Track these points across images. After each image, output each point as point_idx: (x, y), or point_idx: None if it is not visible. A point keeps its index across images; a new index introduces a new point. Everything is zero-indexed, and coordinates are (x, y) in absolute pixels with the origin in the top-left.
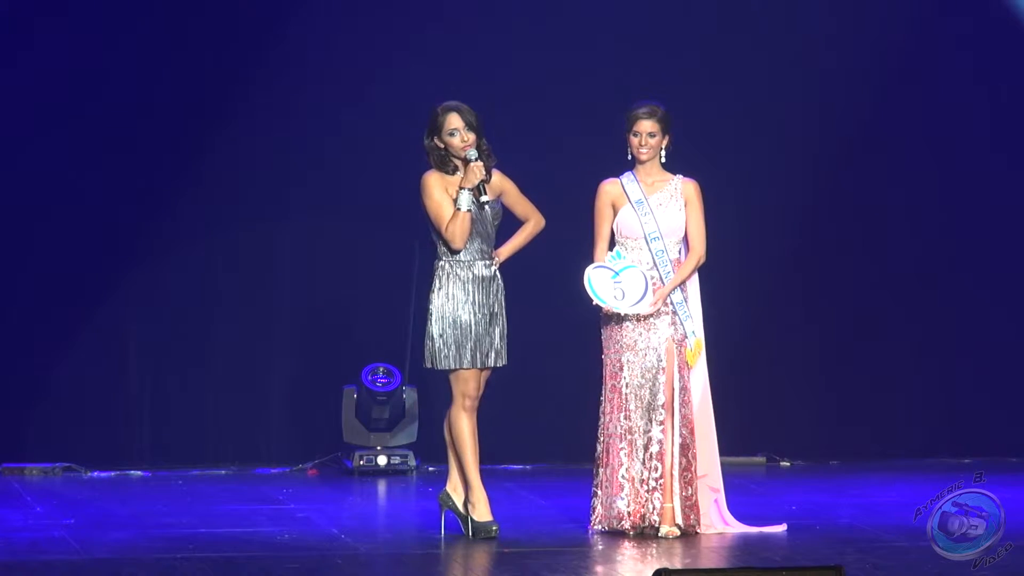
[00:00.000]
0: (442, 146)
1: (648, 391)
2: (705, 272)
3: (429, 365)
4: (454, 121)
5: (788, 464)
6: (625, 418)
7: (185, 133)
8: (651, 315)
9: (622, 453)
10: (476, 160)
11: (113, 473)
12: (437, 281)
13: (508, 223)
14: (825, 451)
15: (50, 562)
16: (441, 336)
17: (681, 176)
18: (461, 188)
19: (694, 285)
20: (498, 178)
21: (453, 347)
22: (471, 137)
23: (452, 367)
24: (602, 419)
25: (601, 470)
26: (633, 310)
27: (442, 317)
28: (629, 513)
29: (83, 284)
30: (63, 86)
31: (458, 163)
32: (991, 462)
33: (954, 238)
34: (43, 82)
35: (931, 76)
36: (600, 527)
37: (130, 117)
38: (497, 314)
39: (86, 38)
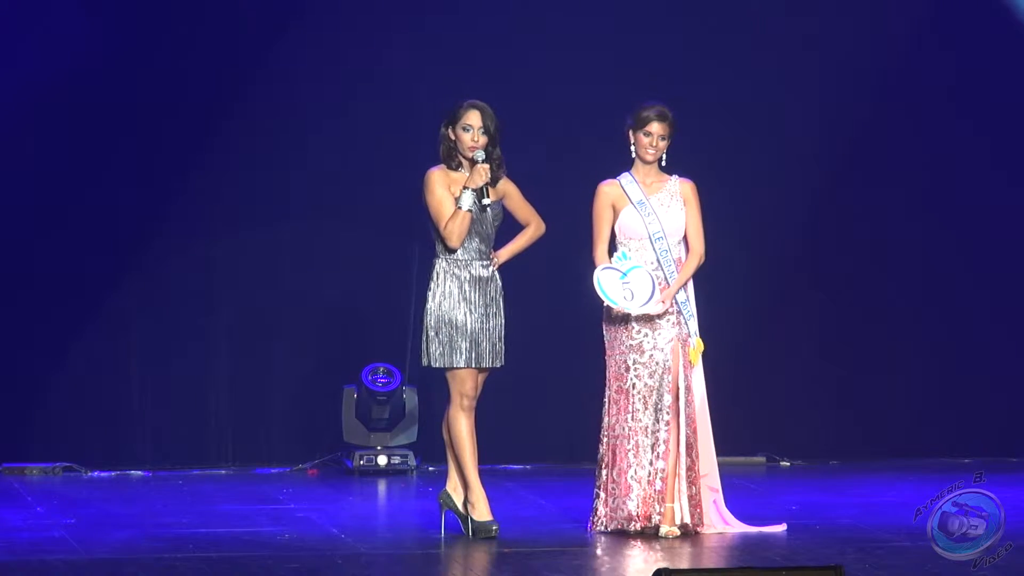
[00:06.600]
0: (453, 138)
1: (655, 392)
2: (705, 272)
3: (425, 363)
4: (473, 118)
5: (788, 464)
6: (632, 419)
7: (185, 133)
8: (657, 315)
9: (629, 454)
10: (483, 162)
11: (113, 473)
12: (434, 280)
13: (509, 226)
14: (825, 451)
15: (50, 562)
16: (437, 334)
17: (677, 176)
18: (465, 188)
19: (690, 285)
20: (502, 180)
21: (448, 345)
22: (482, 140)
23: (447, 365)
24: (606, 420)
25: (605, 471)
26: (643, 310)
27: (438, 316)
28: (638, 515)
29: (83, 284)
30: (64, 85)
31: (463, 160)
32: (991, 462)
33: (954, 238)
34: (43, 81)
35: (931, 76)
36: (603, 528)
37: (130, 117)
38: (494, 315)
39: (87, 37)
